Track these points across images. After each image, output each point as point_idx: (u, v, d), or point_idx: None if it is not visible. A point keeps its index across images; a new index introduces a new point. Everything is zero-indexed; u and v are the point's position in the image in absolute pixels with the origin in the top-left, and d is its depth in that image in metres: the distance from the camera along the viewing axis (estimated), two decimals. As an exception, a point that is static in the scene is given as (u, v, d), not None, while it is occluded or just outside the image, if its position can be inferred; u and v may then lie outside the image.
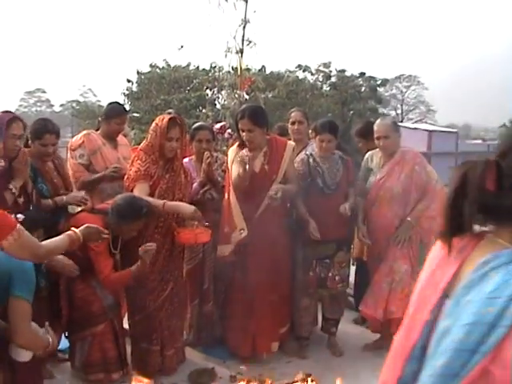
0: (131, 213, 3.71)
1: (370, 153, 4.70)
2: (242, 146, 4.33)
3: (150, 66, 34.71)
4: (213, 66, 30.35)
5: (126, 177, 4.06)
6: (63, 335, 4.07)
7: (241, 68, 7.15)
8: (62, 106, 52.36)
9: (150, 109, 29.87)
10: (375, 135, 4.48)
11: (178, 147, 4.05)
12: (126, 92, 35.19)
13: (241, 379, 3.86)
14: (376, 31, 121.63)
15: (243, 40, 7.03)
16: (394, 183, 4.41)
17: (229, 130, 6.17)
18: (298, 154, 4.60)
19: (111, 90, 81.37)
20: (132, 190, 3.93)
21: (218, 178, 4.46)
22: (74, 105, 43.70)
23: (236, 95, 7.34)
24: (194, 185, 4.42)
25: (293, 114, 4.97)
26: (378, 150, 4.59)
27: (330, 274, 4.42)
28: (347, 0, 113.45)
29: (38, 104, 62.27)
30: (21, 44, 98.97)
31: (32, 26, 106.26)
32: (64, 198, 4.00)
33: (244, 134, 4.22)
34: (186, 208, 3.86)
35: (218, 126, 6.22)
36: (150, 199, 3.85)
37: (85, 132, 4.63)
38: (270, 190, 4.05)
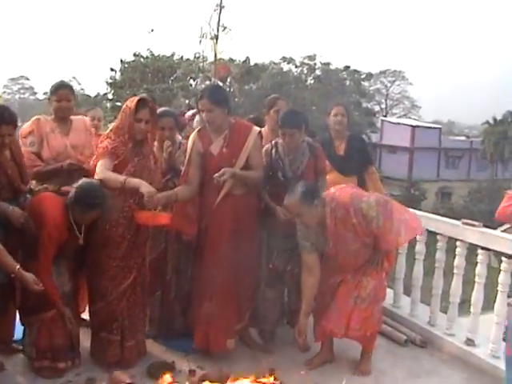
0: (85, 201, 3.61)
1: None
2: (202, 131, 4.19)
3: (134, 55, 34.53)
4: (197, 56, 30.16)
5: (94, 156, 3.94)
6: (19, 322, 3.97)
7: (216, 54, 6.99)
8: (45, 93, 51.74)
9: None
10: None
11: (148, 129, 3.94)
12: (110, 81, 34.95)
13: (200, 374, 3.73)
14: (362, 25, 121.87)
15: (218, 26, 6.89)
16: (344, 249, 3.92)
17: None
18: None
19: (95, 78, 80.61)
20: (95, 166, 3.81)
21: (181, 166, 4.29)
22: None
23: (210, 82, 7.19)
24: None
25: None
26: None
27: (289, 268, 4.27)
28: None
29: (22, 91, 61.87)
30: (4, 31, 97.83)
31: (17, 14, 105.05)
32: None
33: (204, 114, 4.07)
34: (146, 187, 3.68)
35: (189, 113, 6.06)
36: (112, 174, 3.74)
37: (35, 117, 4.34)
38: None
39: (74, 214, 3.68)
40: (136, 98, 3.91)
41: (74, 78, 49.05)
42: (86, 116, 4.78)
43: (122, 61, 33.97)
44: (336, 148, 4.99)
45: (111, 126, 4.09)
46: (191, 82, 29.63)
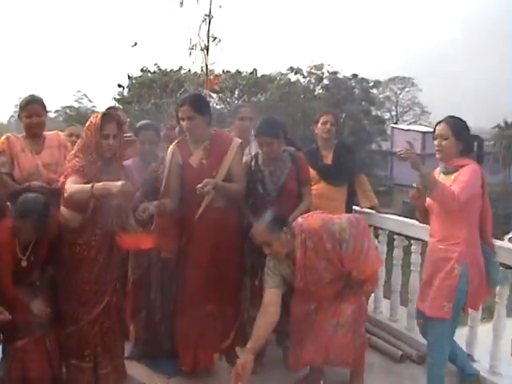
0: (20, 209, 3.44)
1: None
2: (181, 142, 4.04)
3: (141, 70, 34.64)
4: (209, 70, 30.20)
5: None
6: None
7: (207, 66, 6.83)
8: (56, 111, 52.09)
9: (140, 113, 29.61)
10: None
11: (116, 145, 3.71)
12: (118, 97, 35.11)
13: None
14: (369, 33, 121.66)
15: (208, 37, 6.74)
16: (318, 277, 3.66)
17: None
18: None
19: (106, 95, 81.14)
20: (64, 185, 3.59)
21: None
22: (68, 111, 43.51)
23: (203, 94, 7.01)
24: (137, 194, 4.10)
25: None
26: None
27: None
28: (339, 1, 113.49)
29: (32, 110, 62.07)
30: (14, 50, 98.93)
31: (25, 34, 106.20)
32: None
33: (184, 123, 3.90)
34: (115, 186, 3.40)
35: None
36: (79, 186, 3.50)
37: (4, 136, 4.15)
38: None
39: (15, 230, 3.49)
40: (100, 113, 3.71)
41: (85, 95, 49.26)
42: (61, 132, 4.62)
43: (129, 76, 34.12)
44: (323, 157, 4.82)
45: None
46: (199, 95, 29.65)
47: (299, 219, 3.73)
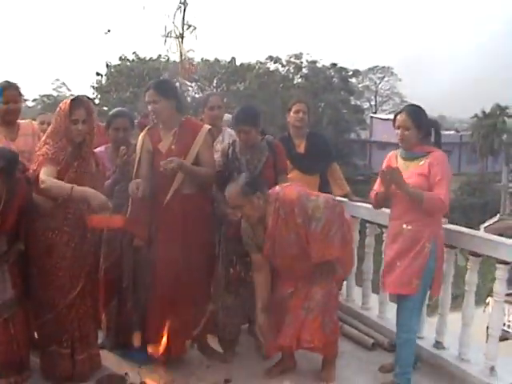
0: None
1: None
2: (152, 129, 4.06)
3: (120, 58, 34.35)
4: (183, 58, 30.06)
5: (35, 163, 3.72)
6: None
7: (181, 54, 6.81)
8: (34, 100, 51.50)
9: (118, 102, 29.42)
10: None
11: (86, 130, 3.73)
12: (96, 85, 34.81)
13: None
14: (347, 22, 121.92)
15: (183, 24, 6.72)
16: (284, 249, 3.72)
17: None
18: None
19: (83, 83, 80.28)
20: (38, 175, 3.59)
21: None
22: (46, 99, 43.08)
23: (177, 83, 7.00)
24: (108, 181, 4.10)
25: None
26: None
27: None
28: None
29: (9, 98, 61.30)
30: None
31: (2, 19, 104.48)
32: None
33: (150, 106, 3.91)
34: (97, 197, 3.50)
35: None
36: (58, 182, 3.54)
37: None
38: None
39: None
40: (69, 99, 3.73)
41: (63, 83, 48.71)
42: (34, 120, 4.58)
43: (107, 65, 33.83)
44: (296, 146, 4.83)
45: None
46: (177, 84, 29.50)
47: (277, 187, 3.80)
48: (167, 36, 6.70)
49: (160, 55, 33.74)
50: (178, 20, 6.68)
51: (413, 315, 3.77)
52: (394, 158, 3.89)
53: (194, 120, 4.24)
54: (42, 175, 3.56)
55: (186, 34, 6.76)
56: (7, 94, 4.07)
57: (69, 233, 3.72)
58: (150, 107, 3.92)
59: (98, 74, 34.25)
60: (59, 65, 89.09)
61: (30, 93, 46.24)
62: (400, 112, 3.80)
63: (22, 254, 3.74)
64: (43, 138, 3.83)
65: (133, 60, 33.63)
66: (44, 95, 44.43)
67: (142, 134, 4.08)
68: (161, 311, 3.97)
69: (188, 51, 6.93)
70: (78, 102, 3.71)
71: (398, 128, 3.74)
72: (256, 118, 4.10)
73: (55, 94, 45.35)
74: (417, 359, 4.05)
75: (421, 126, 3.70)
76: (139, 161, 4.01)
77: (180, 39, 6.73)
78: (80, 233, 3.76)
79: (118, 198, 4.05)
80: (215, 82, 33.53)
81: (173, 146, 3.93)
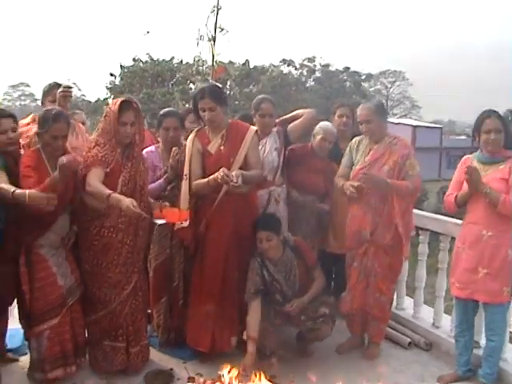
0: (53, 114, 3.63)
1: (356, 138, 4.46)
2: (200, 131, 4.18)
3: (133, 59, 34.41)
4: (196, 59, 30.13)
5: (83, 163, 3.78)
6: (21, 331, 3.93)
7: (213, 56, 6.90)
8: (45, 99, 51.53)
9: (132, 103, 29.48)
10: (358, 119, 4.30)
11: (134, 132, 3.83)
12: (109, 86, 34.90)
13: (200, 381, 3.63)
14: (361, 26, 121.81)
15: (216, 28, 6.81)
16: (377, 171, 4.16)
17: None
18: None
19: (95, 83, 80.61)
20: (86, 176, 3.69)
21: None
22: (56, 98, 43.07)
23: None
24: (160, 180, 4.23)
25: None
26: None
27: None
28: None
29: (22, 98, 61.69)
30: (4, 38, 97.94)
31: (15, 21, 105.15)
32: None
33: (205, 113, 4.01)
34: (128, 210, 3.48)
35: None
36: (100, 187, 3.60)
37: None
38: (231, 176, 3.77)
39: (50, 139, 3.67)
40: (118, 101, 3.79)
41: (74, 83, 48.89)
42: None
43: (121, 66, 33.92)
44: (342, 149, 4.93)
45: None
46: (191, 85, 29.60)
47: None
48: (200, 39, 6.79)
49: (173, 57, 33.89)
50: (211, 23, 6.75)
51: (505, 318, 3.87)
52: (469, 163, 3.86)
53: (241, 122, 4.36)
54: (89, 178, 3.66)
55: (219, 36, 6.84)
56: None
57: (123, 230, 3.82)
58: (206, 114, 4.00)
59: (111, 74, 34.38)
60: (71, 65, 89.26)
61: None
62: (488, 116, 3.74)
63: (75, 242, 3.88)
64: (93, 137, 3.93)
65: (146, 61, 33.71)
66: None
67: (190, 135, 4.18)
68: (207, 308, 4.08)
69: (218, 54, 7.01)
70: (126, 104, 3.78)
71: (489, 132, 3.70)
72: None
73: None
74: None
75: (507, 130, 3.72)
76: (190, 159, 4.10)
77: (212, 42, 6.82)
78: (133, 229, 3.87)
79: (171, 196, 4.17)
80: (229, 83, 33.64)
81: (222, 148, 4.06)
